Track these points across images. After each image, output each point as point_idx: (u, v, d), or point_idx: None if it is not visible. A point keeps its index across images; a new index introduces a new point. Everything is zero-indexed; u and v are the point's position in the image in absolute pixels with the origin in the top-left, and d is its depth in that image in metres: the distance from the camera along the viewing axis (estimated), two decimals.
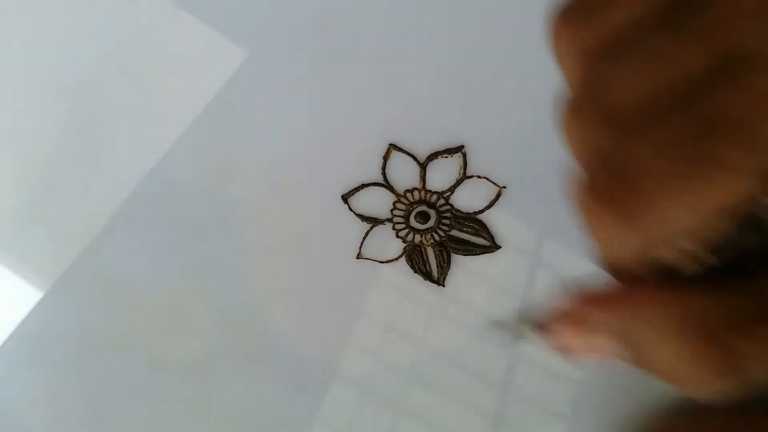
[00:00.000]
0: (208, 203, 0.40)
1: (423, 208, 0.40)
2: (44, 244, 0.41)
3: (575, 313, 0.14)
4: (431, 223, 0.40)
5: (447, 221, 0.40)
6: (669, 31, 0.12)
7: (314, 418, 0.39)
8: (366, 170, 0.40)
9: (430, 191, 0.40)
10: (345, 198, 0.40)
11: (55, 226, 0.41)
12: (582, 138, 0.13)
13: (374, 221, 0.40)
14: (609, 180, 0.12)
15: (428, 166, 0.40)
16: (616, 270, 0.14)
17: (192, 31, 0.42)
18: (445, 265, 0.40)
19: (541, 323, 0.15)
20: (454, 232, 0.40)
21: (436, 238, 0.40)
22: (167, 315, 0.40)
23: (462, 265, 0.40)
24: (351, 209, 0.40)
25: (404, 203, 0.40)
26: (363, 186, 0.40)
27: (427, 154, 0.40)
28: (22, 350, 0.40)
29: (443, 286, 0.40)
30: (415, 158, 0.40)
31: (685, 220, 0.12)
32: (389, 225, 0.40)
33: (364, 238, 0.40)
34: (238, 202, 0.40)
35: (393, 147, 0.40)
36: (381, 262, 0.40)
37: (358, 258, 0.40)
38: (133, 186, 0.41)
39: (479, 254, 0.40)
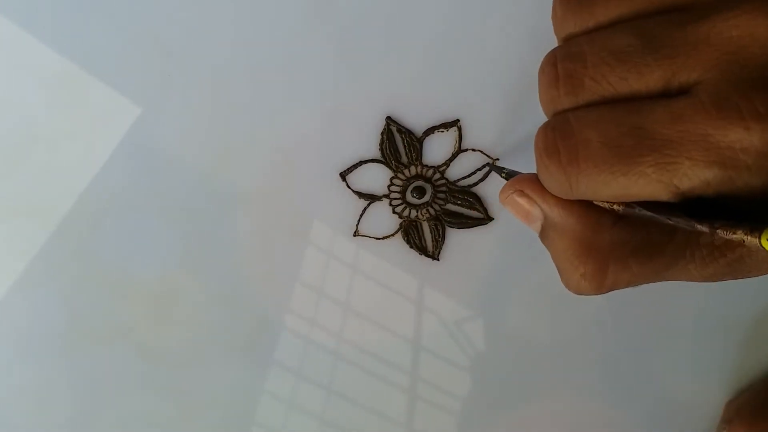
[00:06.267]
0: (201, 186, 0.38)
1: (419, 183, 0.39)
2: (30, 228, 0.38)
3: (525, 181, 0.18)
4: (427, 197, 0.40)
5: (443, 195, 0.40)
6: (642, 41, 0.14)
7: (310, 403, 0.41)
8: (364, 147, 0.38)
9: (426, 166, 0.39)
10: (343, 175, 0.38)
11: (42, 210, 0.38)
12: (551, 99, 0.16)
13: (371, 198, 0.39)
14: (558, 139, 0.15)
15: (424, 141, 0.39)
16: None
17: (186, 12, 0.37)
18: (440, 239, 0.40)
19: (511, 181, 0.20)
20: (449, 206, 0.40)
21: (432, 212, 0.40)
22: (158, 303, 0.39)
23: (455, 239, 0.40)
24: (349, 186, 0.39)
25: (401, 179, 0.39)
26: (361, 163, 0.39)
27: (424, 129, 0.39)
28: (7, 341, 0.38)
29: (438, 260, 0.40)
30: (412, 133, 0.39)
31: (597, 193, 0.15)
32: (386, 201, 0.39)
33: (361, 216, 0.39)
34: (232, 184, 0.38)
35: (390, 122, 0.38)
36: (377, 238, 0.40)
37: (355, 236, 0.39)
38: (122, 170, 0.38)
39: (472, 227, 0.40)
